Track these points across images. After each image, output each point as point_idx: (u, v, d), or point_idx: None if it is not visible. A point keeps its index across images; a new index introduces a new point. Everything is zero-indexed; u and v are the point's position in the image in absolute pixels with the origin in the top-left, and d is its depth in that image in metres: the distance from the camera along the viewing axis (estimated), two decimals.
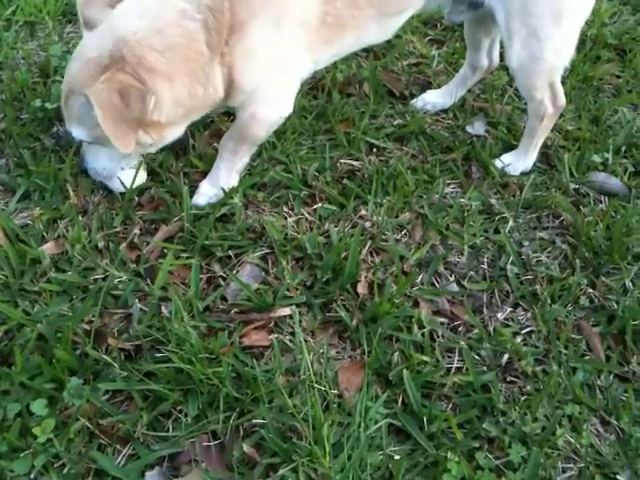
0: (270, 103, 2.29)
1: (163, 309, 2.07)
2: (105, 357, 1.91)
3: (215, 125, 2.74)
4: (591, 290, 2.27)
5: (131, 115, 1.96)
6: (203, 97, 2.15)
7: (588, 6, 2.41)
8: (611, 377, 2.03)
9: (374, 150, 2.74)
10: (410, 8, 2.42)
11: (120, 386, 1.87)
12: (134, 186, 2.37)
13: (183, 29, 2.03)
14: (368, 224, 2.42)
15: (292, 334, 2.06)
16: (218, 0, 2.04)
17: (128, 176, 2.35)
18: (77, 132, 2.16)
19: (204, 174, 2.49)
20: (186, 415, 1.84)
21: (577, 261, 2.33)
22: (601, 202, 2.60)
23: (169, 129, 2.17)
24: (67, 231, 2.26)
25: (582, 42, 3.35)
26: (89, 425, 1.80)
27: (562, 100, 2.53)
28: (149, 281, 2.15)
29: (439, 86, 3.03)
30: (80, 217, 2.33)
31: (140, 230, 2.33)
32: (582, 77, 3.17)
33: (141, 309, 2.07)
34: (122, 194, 2.39)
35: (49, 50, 2.96)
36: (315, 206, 2.48)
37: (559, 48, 2.38)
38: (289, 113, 2.36)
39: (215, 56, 2.08)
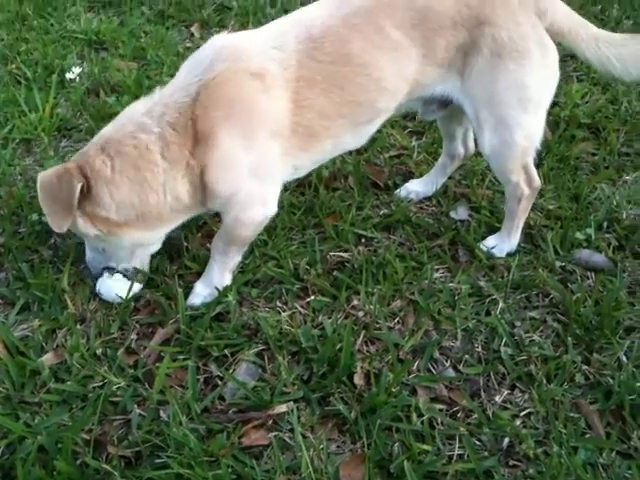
0: (252, 206, 2.37)
1: (162, 413, 2.07)
2: (105, 466, 1.90)
3: (207, 226, 2.83)
4: (586, 367, 2.28)
5: (61, 196, 2.16)
6: (158, 204, 2.27)
7: (552, 89, 2.53)
8: (613, 454, 2.02)
9: (362, 240, 2.81)
10: (381, 116, 2.53)
11: None
12: (129, 295, 2.43)
13: (137, 141, 2.21)
14: (361, 314, 2.46)
15: (291, 431, 2.06)
16: (181, 117, 2.21)
17: (123, 286, 2.42)
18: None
19: (198, 275, 2.55)
20: None
21: (569, 339, 2.35)
22: (588, 278, 2.65)
23: (127, 229, 2.30)
24: (66, 340, 2.30)
25: (556, 123, 3.51)
26: None
27: (537, 181, 2.63)
28: (147, 385, 2.17)
29: (421, 175, 3.14)
30: (78, 326, 2.37)
31: (137, 335, 2.36)
32: (559, 157, 3.29)
33: (140, 414, 2.08)
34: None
35: (45, 165, 3.08)
36: (308, 299, 2.52)
37: (528, 132, 2.49)
38: (273, 213, 2.43)
39: (175, 167, 2.23)
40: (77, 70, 3.84)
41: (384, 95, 2.42)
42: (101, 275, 2.45)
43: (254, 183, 2.33)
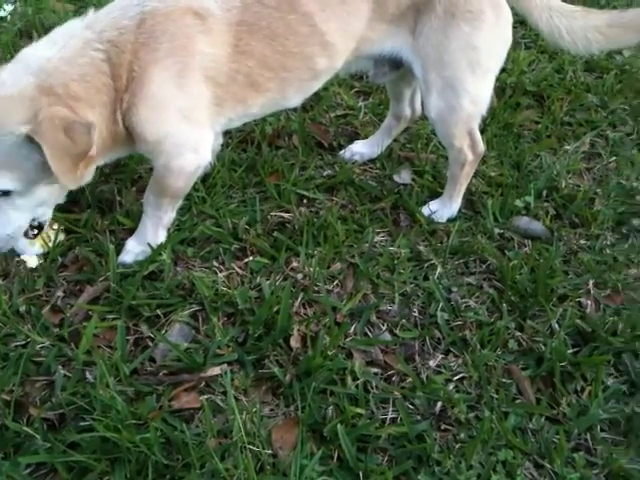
0: (182, 154, 2.24)
1: (88, 374, 2.00)
2: (26, 429, 1.83)
3: (143, 181, 2.72)
4: (519, 333, 2.31)
5: (76, 150, 1.94)
6: (115, 133, 2.11)
7: (502, 54, 2.50)
8: (542, 420, 2.06)
9: (304, 201, 2.76)
10: (326, 73, 2.44)
11: (43, 459, 1.79)
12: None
13: (89, 58, 2.03)
14: (300, 276, 2.42)
15: (224, 394, 2.01)
16: (120, 39, 2.05)
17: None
18: (4, 181, 1.99)
19: (131, 232, 2.46)
20: None
21: (504, 305, 2.37)
22: (525, 246, 2.67)
23: (93, 164, 2.13)
24: None
25: (502, 90, 3.50)
26: None
27: (481, 147, 2.62)
28: (73, 345, 2.09)
29: (366, 137, 3.09)
30: (1, 281, 2.25)
31: (64, 292, 2.27)
32: (503, 124, 3.29)
33: (65, 375, 2.00)
34: (45, 256, 2.33)
35: None
36: (246, 260, 2.47)
37: (475, 97, 2.46)
38: (206, 162, 2.33)
39: (118, 96, 2.07)
40: (9, 8, 3.61)
41: (328, 50, 2.33)
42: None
43: (185, 127, 2.21)
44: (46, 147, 1.86)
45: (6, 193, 2.02)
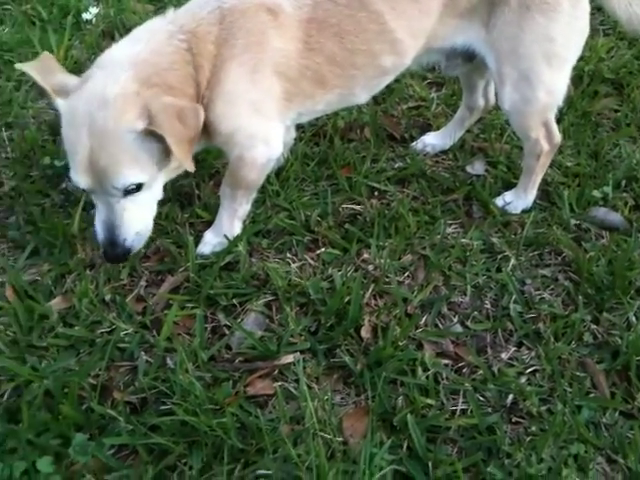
0: (254, 146, 2.29)
1: (168, 360, 2.10)
2: (110, 411, 1.94)
3: (220, 175, 2.80)
4: (594, 326, 2.27)
5: (190, 134, 2.01)
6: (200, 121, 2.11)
7: (580, 44, 2.44)
8: (616, 414, 2.02)
9: (375, 194, 2.78)
10: (394, 70, 2.45)
11: (125, 440, 1.89)
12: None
13: (175, 47, 2.10)
14: (371, 267, 2.45)
15: (296, 381, 2.07)
16: (201, 30, 2.11)
17: None
18: (131, 175, 2.00)
19: (209, 224, 2.54)
20: (191, 468, 1.84)
21: (580, 297, 2.33)
22: (602, 237, 2.61)
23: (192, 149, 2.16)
24: (75, 286, 2.32)
25: (580, 78, 3.40)
26: None
27: (557, 137, 2.56)
28: (155, 333, 2.19)
29: (439, 128, 3.07)
30: (87, 271, 2.38)
31: (146, 282, 2.38)
32: (580, 113, 3.20)
33: (147, 361, 2.10)
34: None
35: None
36: (318, 251, 2.51)
37: (551, 88, 2.41)
38: (277, 154, 2.37)
39: (200, 89, 2.12)
40: (94, 10, 3.77)
41: (397, 47, 2.34)
42: None
43: (256, 120, 2.26)
44: (168, 136, 1.93)
45: (136, 189, 2.04)
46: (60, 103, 2.02)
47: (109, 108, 1.94)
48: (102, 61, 2.12)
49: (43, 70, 2.08)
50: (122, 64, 2.04)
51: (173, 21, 2.16)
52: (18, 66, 2.13)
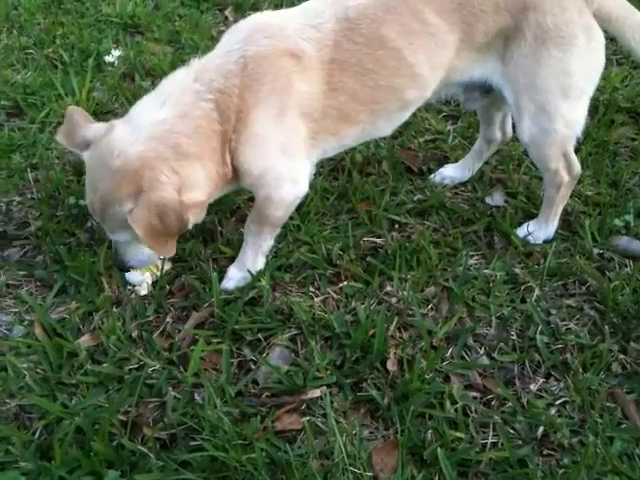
0: (282, 186, 2.34)
1: (196, 396, 2.10)
2: (141, 448, 1.94)
3: (241, 211, 2.84)
4: (622, 356, 2.25)
5: (166, 232, 2.09)
6: (225, 174, 2.25)
7: (596, 76, 2.47)
8: None
9: (396, 226, 2.80)
10: (415, 103, 2.49)
11: (157, 477, 1.89)
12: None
13: (202, 110, 2.16)
14: (394, 300, 2.46)
15: (324, 415, 2.07)
16: (227, 84, 2.17)
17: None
18: (121, 236, 2.22)
19: (232, 259, 2.57)
20: None
21: (606, 327, 2.32)
22: (626, 266, 2.60)
23: (205, 207, 2.29)
24: (102, 323, 2.33)
25: (595, 107, 3.42)
26: None
27: (577, 168, 2.58)
28: (182, 368, 2.20)
29: (456, 160, 3.10)
30: (114, 308, 2.40)
31: (172, 318, 2.39)
32: (597, 142, 3.22)
33: (175, 397, 2.11)
34: (154, 284, 2.47)
35: None
36: (341, 284, 2.52)
37: (570, 120, 2.43)
38: (304, 193, 2.41)
39: (226, 137, 2.20)
40: (117, 53, 3.86)
41: (417, 81, 2.38)
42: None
43: (284, 161, 2.31)
44: (139, 230, 2.03)
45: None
46: (84, 155, 2.20)
47: (109, 177, 2.09)
48: (129, 117, 2.21)
49: (71, 126, 2.24)
50: (140, 131, 2.13)
51: (200, 78, 2.20)
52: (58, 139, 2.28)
